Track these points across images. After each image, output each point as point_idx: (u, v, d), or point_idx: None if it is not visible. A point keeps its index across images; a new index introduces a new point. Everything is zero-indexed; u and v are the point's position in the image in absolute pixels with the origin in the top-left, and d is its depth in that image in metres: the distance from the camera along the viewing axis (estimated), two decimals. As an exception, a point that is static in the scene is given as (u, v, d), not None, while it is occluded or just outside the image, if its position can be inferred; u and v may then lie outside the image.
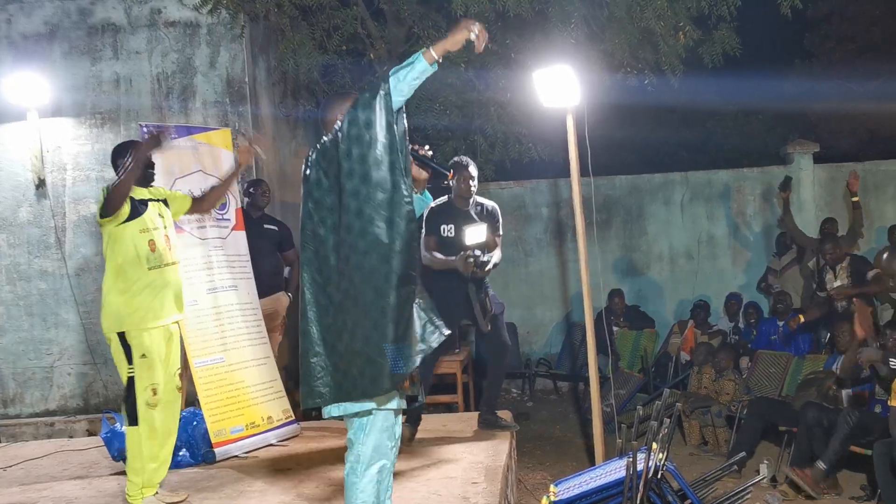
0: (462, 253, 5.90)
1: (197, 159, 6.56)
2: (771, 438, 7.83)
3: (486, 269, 5.93)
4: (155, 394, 4.96)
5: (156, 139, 5.01)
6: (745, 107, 14.18)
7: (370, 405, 3.57)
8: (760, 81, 12.92)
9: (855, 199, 9.49)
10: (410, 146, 3.72)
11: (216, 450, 5.97)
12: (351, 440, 3.66)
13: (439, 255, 6.04)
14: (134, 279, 4.94)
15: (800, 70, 14.52)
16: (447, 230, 6.16)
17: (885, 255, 9.02)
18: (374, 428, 3.62)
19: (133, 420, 4.96)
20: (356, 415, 3.62)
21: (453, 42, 3.62)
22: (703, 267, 11.44)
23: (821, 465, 6.52)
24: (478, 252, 5.90)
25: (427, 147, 3.94)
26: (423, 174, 3.94)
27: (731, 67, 9.70)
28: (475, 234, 5.98)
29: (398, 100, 3.55)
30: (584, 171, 6.41)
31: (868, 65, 13.83)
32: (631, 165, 12.96)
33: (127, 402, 4.99)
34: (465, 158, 6.33)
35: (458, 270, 5.91)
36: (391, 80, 3.54)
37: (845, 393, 7.22)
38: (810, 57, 15.11)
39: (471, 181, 6.19)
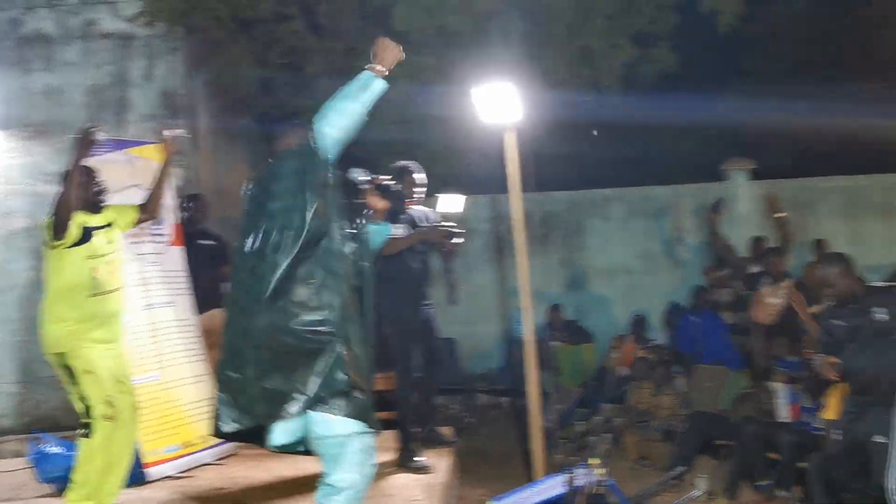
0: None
1: (132, 174, 6.42)
2: (709, 452, 7.90)
3: (456, 241, 5.85)
4: (111, 406, 4.81)
5: (86, 138, 4.85)
6: (682, 124, 14.37)
7: (347, 427, 3.55)
8: (698, 99, 13.10)
9: (779, 215, 9.64)
10: (371, 177, 3.75)
11: (148, 470, 5.84)
12: (327, 465, 3.63)
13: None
14: (76, 305, 4.82)
15: (736, 88, 14.75)
16: None
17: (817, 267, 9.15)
18: (350, 452, 3.60)
19: (91, 433, 4.80)
20: (328, 439, 3.58)
21: (389, 63, 3.67)
22: (642, 282, 11.56)
23: (783, 493, 6.55)
24: (450, 223, 5.85)
25: (389, 177, 3.96)
26: (382, 204, 3.94)
27: (670, 85, 9.82)
28: (450, 202, 5.90)
29: (347, 125, 3.57)
30: (524, 187, 6.42)
31: (803, 84, 14.11)
32: (570, 181, 13.03)
33: (84, 417, 4.84)
34: (410, 163, 6.26)
35: (427, 242, 5.85)
36: (331, 114, 3.56)
37: (781, 406, 7.31)
38: (747, 75, 15.37)
39: (415, 187, 6.13)
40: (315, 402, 3.54)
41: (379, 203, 3.94)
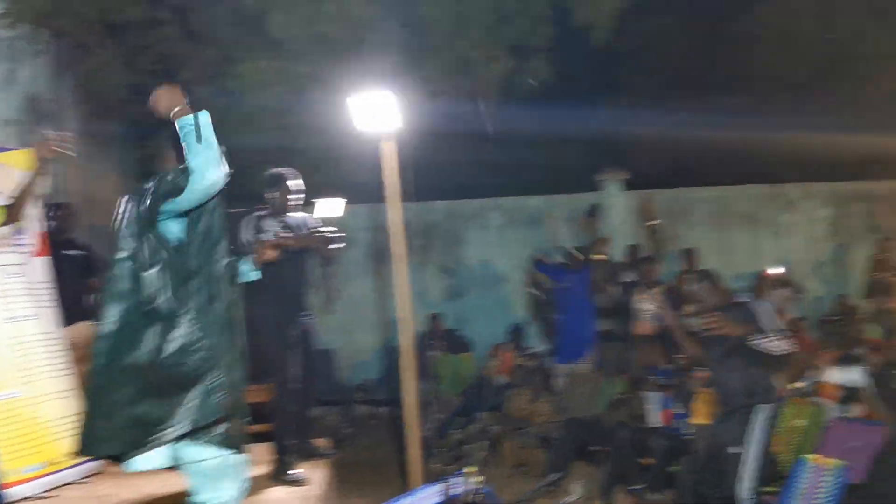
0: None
1: (-9, 180, 6.13)
2: (585, 458, 8.01)
3: (336, 246, 5.77)
4: None
5: None
6: (559, 134, 14.61)
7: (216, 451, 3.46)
8: (574, 110, 13.35)
9: (652, 223, 9.89)
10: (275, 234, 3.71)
11: (6, 491, 5.57)
12: (196, 484, 3.52)
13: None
14: None
15: (612, 100, 15.09)
16: None
17: (686, 278, 9.44)
18: (221, 472, 3.50)
19: None
20: (200, 463, 3.48)
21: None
22: (520, 290, 11.68)
23: (656, 496, 6.68)
24: (329, 228, 5.78)
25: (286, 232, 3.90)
26: (273, 254, 3.90)
27: (546, 96, 9.96)
28: (329, 207, 5.83)
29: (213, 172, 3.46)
30: (403, 196, 6.41)
31: (676, 96, 14.53)
32: (449, 191, 13.10)
33: None
34: (285, 170, 6.15)
35: (306, 249, 5.77)
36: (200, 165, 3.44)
37: (653, 411, 7.48)
38: (622, 88, 15.74)
39: (291, 194, 6.03)
40: (188, 430, 3.42)
41: (269, 254, 3.89)
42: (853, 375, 7.26)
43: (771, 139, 14.29)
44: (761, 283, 9.56)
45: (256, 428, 8.14)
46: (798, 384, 7.26)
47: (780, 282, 9.54)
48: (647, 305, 8.58)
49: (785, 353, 7.21)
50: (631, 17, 12.04)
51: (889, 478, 5.65)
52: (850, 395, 7.11)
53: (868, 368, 7.38)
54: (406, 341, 6.51)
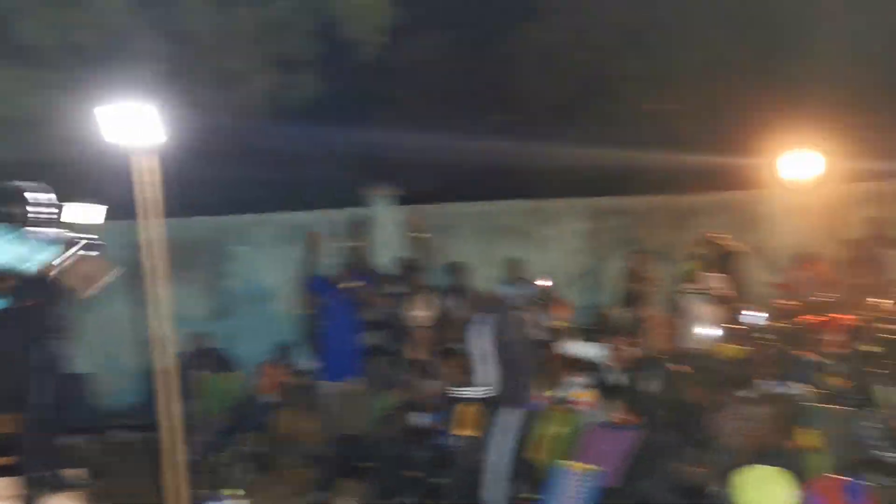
0: None
1: None
2: (353, 474, 7.98)
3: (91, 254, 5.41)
4: None
5: None
6: (328, 150, 14.58)
7: None
8: (343, 125, 13.36)
9: (419, 236, 10.05)
10: None
11: None
12: None
13: None
14: None
15: (382, 116, 15.22)
16: None
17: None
18: None
19: None
20: None
21: None
22: (289, 307, 11.52)
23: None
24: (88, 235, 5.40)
25: None
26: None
27: (316, 111, 9.92)
28: (85, 213, 5.42)
29: None
30: (165, 212, 6.17)
31: (445, 113, 14.83)
32: (214, 206, 12.76)
33: None
34: (26, 183, 5.75)
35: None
36: None
37: (417, 425, 7.56)
38: (392, 104, 15.89)
39: (36, 208, 5.64)
40: None
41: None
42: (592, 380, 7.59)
43: (534, 156, 14.89)
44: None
45: (1, 461, 7.63)
46: (555, 392, 7.53)
47: (545, 292, 9.89)
48: (420, 313, 8.68)
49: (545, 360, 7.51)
50: (401, 34, 12.20)
51: (641, 479, 5.96)
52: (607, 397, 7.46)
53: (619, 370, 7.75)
54: (165, 362, 6.28)
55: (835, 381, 7.43)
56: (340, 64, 10.72)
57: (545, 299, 9.74)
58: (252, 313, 11.51)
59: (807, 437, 5.89)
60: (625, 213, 13.38)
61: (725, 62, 15.81)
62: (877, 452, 6.38)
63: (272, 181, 13.74)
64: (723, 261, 11.00)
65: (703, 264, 10.65)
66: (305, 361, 10.34)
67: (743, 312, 8.41)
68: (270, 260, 11.61)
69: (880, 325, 8.02)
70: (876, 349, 7.60)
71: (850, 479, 3.95)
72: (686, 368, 7.26)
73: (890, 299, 8.92)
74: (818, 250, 11.94)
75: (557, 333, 8.62)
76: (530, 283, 10.39)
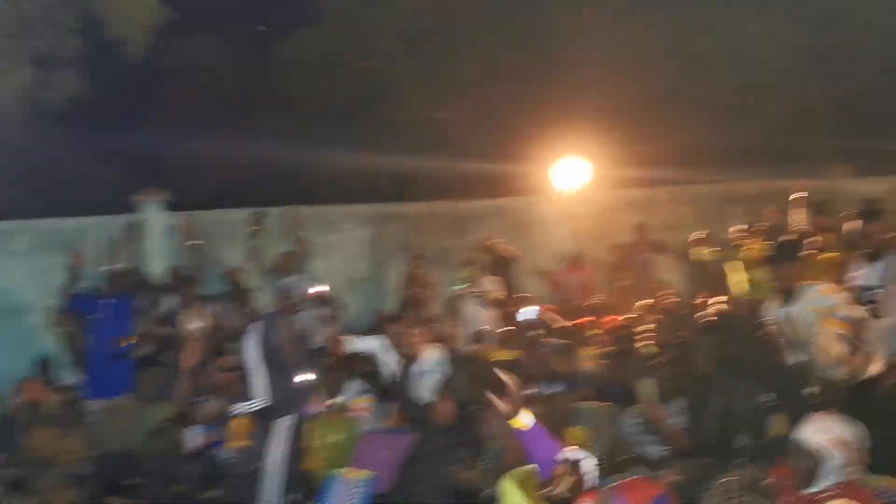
0: None
1: None
2: (119, 493, 7.58)
3: None
4: None
5: None
6: (94, 152, 13.90)
7: None
8: (114, 127, 12.80)
9: (192, 243, 9.76)
10: None
11: None
12: None
13: None
14: None
15: (153, 118, 14.69)
16: None
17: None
18: None
19: None
20: None
21: None
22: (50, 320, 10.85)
23: None
24: None
25: None
26: None
27: (80, 112, 9.43)
28: None
29: None
30: None
31: (221, 117, 14.49)
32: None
33: None
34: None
35: None
36: None
37: (192, 438, 7.29)
38: (164, 106, 15.37)
39: None
40: None
41: None
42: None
43: (313, 162, 14.81)
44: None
45: None
46: (333, 399, 7.48)
47: (322, 299, 9.78)
48: (194, 324, 8.37)
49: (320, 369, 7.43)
50: (172, 33, 11.76)
51: (412, 484, 5.98)
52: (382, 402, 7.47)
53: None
54: None
55: (599, 379, 7.76)
56: (106, 63, 10.21)
57: (323, 304, 9.64)
58: (8, 327, 10.73)
59: (575, 436, 6.05)
60: (404, 219, 13.48)
61: (500, 71, 16.33)
62: (639, 447, 6.71)
63: (32, 186, 12.92)
64: (498, 265, 11.33)
65: (480, 269, 10.92)
66: (69, 377, 9.77)
67: (520, 311, 8.62)
68: (32, 269, 10.87)
69: (642, 325, 8.43)
70: (638, 347, 7.99)
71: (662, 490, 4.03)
72: (461, 371, 7.35)
73: (654, 300, 9.39)
74: (586, 254, 12.49)
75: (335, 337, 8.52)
76: (307, 276, 10.23)
